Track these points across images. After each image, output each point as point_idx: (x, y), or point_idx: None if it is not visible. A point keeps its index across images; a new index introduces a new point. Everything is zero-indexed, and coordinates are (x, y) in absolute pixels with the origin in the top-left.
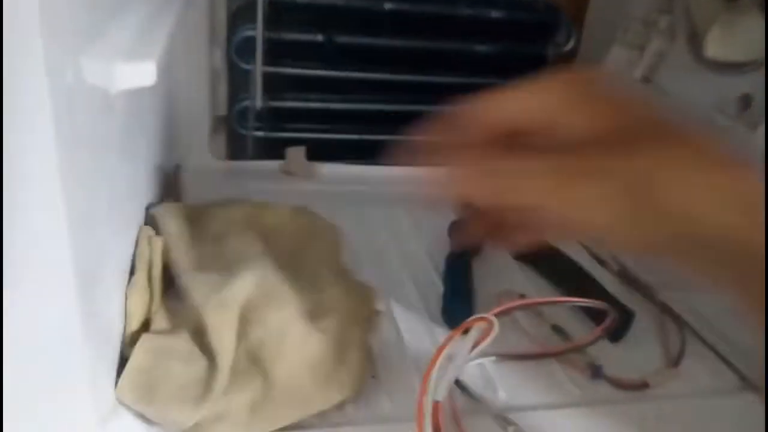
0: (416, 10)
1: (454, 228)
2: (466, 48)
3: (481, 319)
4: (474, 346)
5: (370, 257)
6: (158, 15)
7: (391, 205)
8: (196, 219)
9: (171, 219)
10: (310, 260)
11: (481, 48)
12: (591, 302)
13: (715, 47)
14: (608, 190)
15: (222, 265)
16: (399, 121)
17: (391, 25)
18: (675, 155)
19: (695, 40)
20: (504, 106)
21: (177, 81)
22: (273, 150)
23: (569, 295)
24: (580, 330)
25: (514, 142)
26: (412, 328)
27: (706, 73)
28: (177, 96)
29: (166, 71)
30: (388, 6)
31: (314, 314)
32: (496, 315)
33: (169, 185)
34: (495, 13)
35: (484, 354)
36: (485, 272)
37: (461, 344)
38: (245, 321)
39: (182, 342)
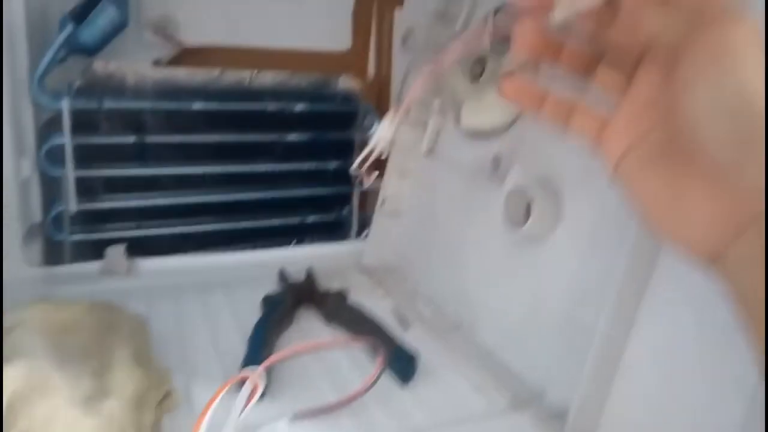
0: (225, 108)
1: (267, 300)
2: (278, 139)
3: (251, 373)
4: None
5: (182, 343)
6: None
7: (209, 291)
8: None
9: None
10: (107, 350)
11: (291, 138)
12: (362, 340)
13: (467, 119)
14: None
15: None
16: (217, 211)
17: (203, 123)
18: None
19: (458, 115)
20: None
21: None
22: (92, 252)
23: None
24: None
25: None
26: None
27: (468, 141)
28: None
29: None
30: (197, 106)
31: (94, 399)
32: (270, 365)
33: None
34: (300, 107)
35: (280, 415)
36: (298, 337)
37: (236, 401)
38: (12, 414)
39: None
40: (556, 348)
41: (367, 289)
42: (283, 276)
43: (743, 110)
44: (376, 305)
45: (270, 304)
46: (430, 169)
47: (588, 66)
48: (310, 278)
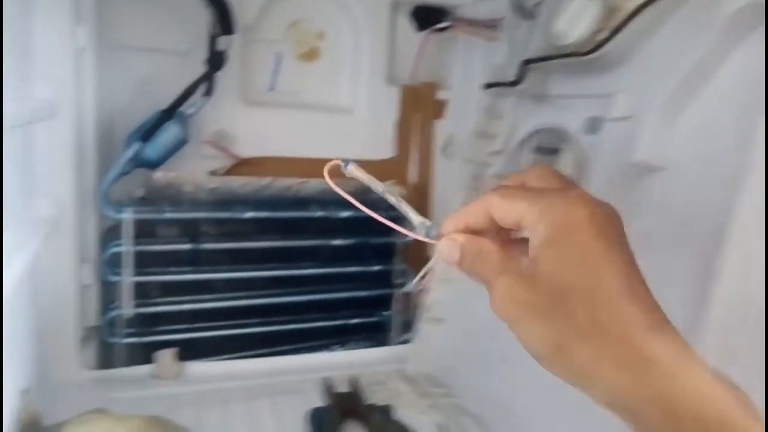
0: (274, 215)
1: (314, 415)
2: (323, 243)
3: None
4: None
5: None
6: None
7: (255, 398)
8: None
9: None
10: None
11: (337, 242)
12: None
13: None
14: None
15: None
16: (263, 313)
17: (253, 229)
18: None
19: None
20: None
21: (42, 300)
22: (144, 355)
23: None
24: None
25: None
26: None
27: None
28: (43, 312)
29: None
30: (248, 214)
31: None
32: None
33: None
34: (345, 213)
35: None
36: None
37: None
38: None
39: None
40: None
41: (412, 400)
42: (328, 386)
43: (584, 261)
44: (421, 419)
45: (316, 419)
46: None
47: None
48: (355, 390)
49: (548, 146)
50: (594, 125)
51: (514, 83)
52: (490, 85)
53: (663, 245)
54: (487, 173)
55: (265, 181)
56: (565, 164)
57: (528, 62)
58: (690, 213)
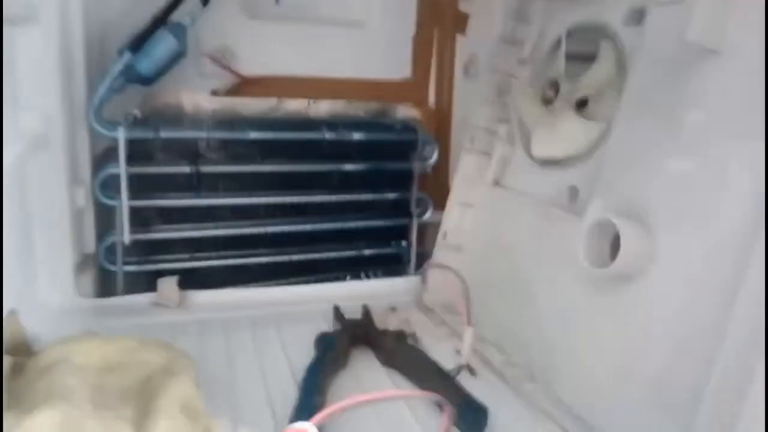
0: (281, 137)
1: (321, 340)
2: (335, 168)
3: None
4: None
5: (232, 384)
6: None
7: (261, 326)
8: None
9: None
10: (152, 395)
11: (349, 167)
12: (424, 394)
13: (538, 147)
14: None
15: (33, 402)
16: (271, 243)
17: (259, 153)
18: None
19: (528, 143)
20: None
21: (35, 222)
22: (145, 283)
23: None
24: None
25: None
26: None
27: (541, 170)
28: (36, 234)
29: None
30: (253, 135)
31: None
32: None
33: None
34: (357, 136)
35: None
36: (353, 381)
37: None
38: None
39: None
40: (652, 409)
41: (428, 328)
42: (338, 313)
43: None
44: (437, 347)
45: (324, 344)
46: (495, 201)
47: None
48: (366, 317)
49: (582, 52)
50: (638, 15)
51: None
52: None
53: (720, 136)
54: (513, 84)
55: (272, 102)
56: (604, 68)
57: None
58: (751, 101)
